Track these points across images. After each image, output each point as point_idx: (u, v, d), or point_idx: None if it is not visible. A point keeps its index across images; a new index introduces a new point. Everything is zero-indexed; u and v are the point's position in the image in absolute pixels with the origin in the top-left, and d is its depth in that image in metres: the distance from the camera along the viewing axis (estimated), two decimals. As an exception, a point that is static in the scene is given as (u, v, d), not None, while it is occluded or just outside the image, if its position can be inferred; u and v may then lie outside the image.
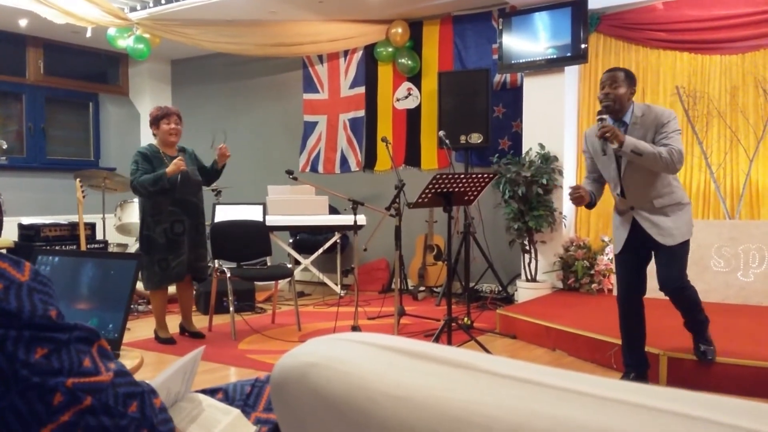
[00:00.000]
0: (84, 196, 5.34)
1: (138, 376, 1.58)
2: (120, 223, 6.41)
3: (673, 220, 3.38)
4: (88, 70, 8.56)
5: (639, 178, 3.42)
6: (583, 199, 3.45)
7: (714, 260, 5.21)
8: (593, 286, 5.76)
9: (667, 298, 3.48)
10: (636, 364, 3.57)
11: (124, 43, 7.07)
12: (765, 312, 4.81)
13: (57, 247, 5.66)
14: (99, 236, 6.44)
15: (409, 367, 0.59)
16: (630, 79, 3.42)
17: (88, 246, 5.83)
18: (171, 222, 4.54)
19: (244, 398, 1.41)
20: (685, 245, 3.42)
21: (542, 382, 0.53)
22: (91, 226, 6.24)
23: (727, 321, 4.34)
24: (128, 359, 1.94)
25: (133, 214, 6.41)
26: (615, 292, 3.88)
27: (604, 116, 3.35)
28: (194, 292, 5.37)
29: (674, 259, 3.39)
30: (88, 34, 6.87)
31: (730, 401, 0.49)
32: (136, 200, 6.47)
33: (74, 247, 5.78)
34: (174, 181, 4.47)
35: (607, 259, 5.75)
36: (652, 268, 3.51)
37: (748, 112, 5.52)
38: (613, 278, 5.63)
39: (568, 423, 0.47)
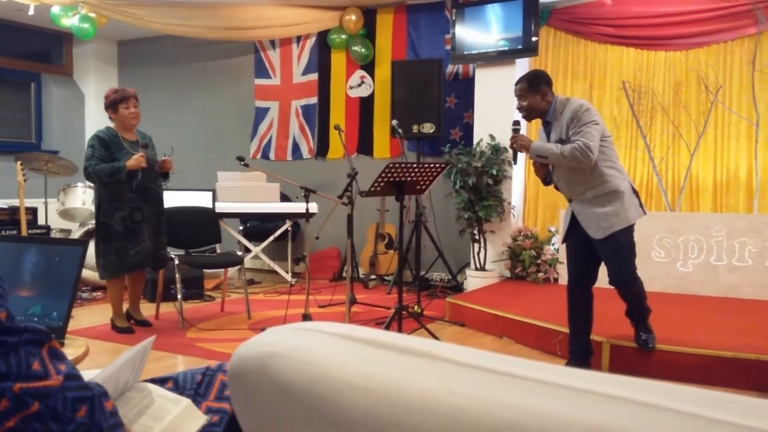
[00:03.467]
0: (25, 180, 5.17)
1: (83, 365, 1.55)
2: (63, 208, 6.22)
3: (605, 212, 3.39)
4: (30, 49, 8.24)
5: (562, 174, 3.53)
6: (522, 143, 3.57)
7: (655, 251, 5.38)
8: (540, 275, 5.87)
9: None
10: (580, 351, 3.66)
11: (69, 22, 6.84)
12: (703, 301, 5.00)
13: (-4, 232, 5.46)
14: (41, 221, 6.24)
15: (372, 357, 0.59)
16: (534, 84, 3.49)
17: (30, 231, 5.64)
18: (130, 209, 4.41)
19: (195, 387, 1.39)
20: (619, 237, 3.39)
21: (506, 372, 0.54)
22: (33, 211, 6.05)
23: (666, 309, 4.49)
24: (73, 348, 1.90)
25: (76, 199, 6.23)
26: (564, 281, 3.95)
27: (516, 126, 3.60)
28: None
29: (613, 252, 3.41)
30: (31, 12, 6.63)
31: (690, 390, 0.51)
32: (80, 185, 6.32)
33: (15, 232, 5.59)
34: (133, 176, 4.35)
35: (553, 248, 5.87)
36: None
37: (690, 108, 5.70)
38: (559, 268, 5.77)
39: (533, 412, 0.48)
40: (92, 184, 6.34)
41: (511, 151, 3.66)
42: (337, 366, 0.59)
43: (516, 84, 3.58)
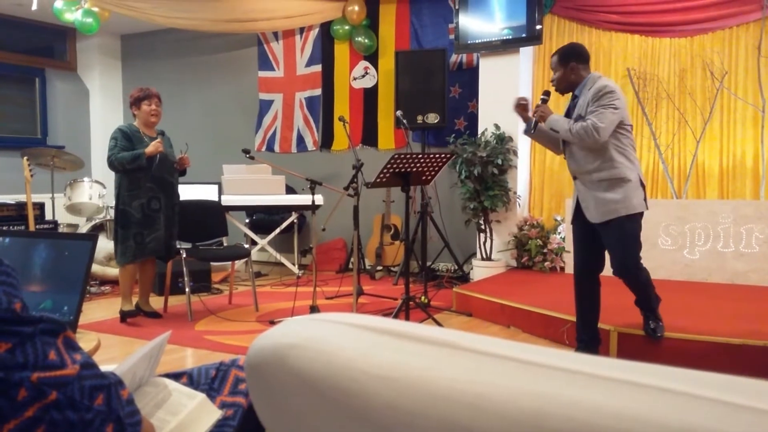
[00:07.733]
0: (32, 175, 5.19)
1: (96, 360, 1.56)
2: (70, 203, 6.23)
3: (606, 198, 3.38)
4: (34, 44, 8.24)
5: (575, 150, 3.53)
6: (525, 108, 3.69)
7: (661, 238, 5.37)
8: (546, 264, 5.87)
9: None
10: (588, 340, 3.67)
11: (72, 16, 6.83)
12: (709, 288, 4.99)
13: (5, 228, 5.48)
14: (48, 216, 6.26)
15: (392, 347, 0.59)
16: (564, 58, 3.54)
17: (37, 226, 5.67)
18: (148, 198, 4.61)
19: (209, 382, 1.41)
20: (624, 224, 3.37)
21: (527, 360, 0.54)
22: (40, 206, 6.07)
23: (673, 297, 4.48)
24: (84, 342, 1.92)
25: (83, 194, 6.25)
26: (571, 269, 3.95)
27: (543, 97, 3.65)
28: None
29: (617, 239, 3.40)
30: (34, 7, 6.61)
31: (710, 376, 0.51)
32: (86, 179, 6.35)
33: (23, 227, 5.61)
34: (152, 162, 4.56)
35: (559, 237, 5.87)
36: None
37: (695, 94, 5.67)
38: (566, 257, 5.77)
39: (557, 400, 0.48)
40: (100, 181, 6.40)
41: (533, 121, 3.61)
42: (357, 356, 0.59)
43: (551, 56, 3.67)
